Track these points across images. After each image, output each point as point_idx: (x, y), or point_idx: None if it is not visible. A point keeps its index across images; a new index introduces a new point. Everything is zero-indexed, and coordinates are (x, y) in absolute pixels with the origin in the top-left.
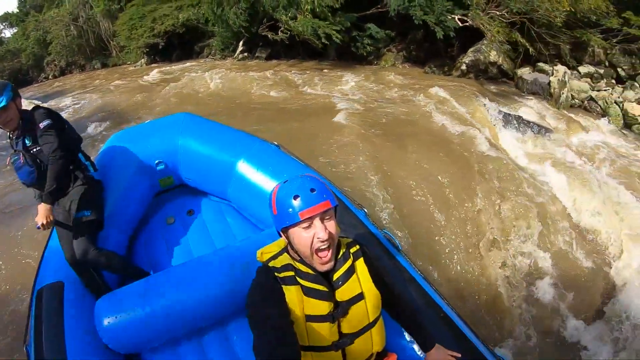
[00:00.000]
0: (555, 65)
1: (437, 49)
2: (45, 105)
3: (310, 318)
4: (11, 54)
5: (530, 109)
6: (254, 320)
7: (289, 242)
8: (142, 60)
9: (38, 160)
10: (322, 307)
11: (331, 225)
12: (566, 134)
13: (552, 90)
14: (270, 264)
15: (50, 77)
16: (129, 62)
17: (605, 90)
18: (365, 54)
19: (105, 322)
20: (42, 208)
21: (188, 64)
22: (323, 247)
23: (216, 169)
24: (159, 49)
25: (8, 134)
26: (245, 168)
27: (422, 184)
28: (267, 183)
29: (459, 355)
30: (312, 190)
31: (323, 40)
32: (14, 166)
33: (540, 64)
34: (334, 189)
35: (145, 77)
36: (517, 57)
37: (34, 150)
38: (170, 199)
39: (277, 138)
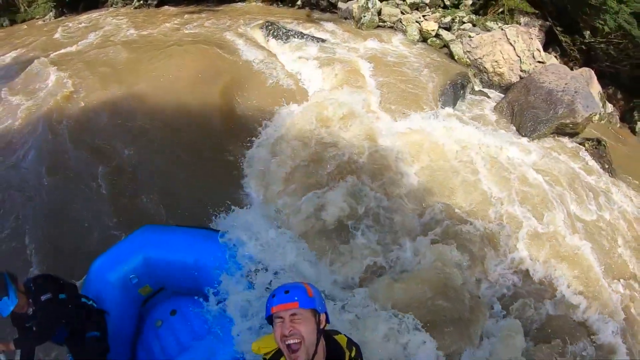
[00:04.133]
0: None
1: None
2: None
3: None
4: None
5: (330, 29)
6: None
7: None
8: (51, 13)
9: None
10: None
11: (300, 324)
12: (351, 43)
13: (354, 14)
14: None
15: None
16: (37, 17)
17: (410, 14)
18: None
19: None
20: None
21: (94, 14)
22: (290, 341)
23: (181, 270)
24: (65, 2)
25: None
26: (204, 262)
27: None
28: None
29: None
30: (286, 292)
31: None
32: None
33: None
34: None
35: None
36: None
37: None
38: (155, 304)
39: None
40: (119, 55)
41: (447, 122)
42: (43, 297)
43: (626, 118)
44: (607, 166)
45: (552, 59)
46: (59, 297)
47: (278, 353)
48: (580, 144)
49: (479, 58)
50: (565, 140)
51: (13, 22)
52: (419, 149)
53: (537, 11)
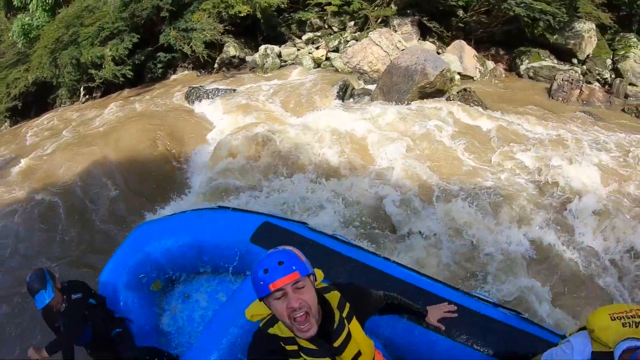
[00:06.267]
0: (293, 40)
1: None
2: None
3: None
4: None
5: (242, 80)
6: None
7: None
8: (6, 123)
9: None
10: None
11: (304, 293)
12: (259, 84)
13: (257, 62)
14: (271, 331)
15: None
16: None
17: (305, 48)
18: (159, 75)
19: None
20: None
21: (48, 115)
22: (298, 314)
23: (183, 255)
24: (18, 110)
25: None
26: (204, 239)
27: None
28: (224, 241)
29: (451, 307)
30: (280, 263)
31: (121, 79)
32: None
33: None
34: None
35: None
36: (255, 45)
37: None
38: (169, 293)
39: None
40: (91, 137)
41: (335, 111)
42: (74, 296)
43: (512, 67)
44: (474, 105)
45: (427, 44)
46: (89, 300)
47: (273, 319)
48: (448, 98)
49: (357, 64)
50: (440, 99)
51: None
52: (321, 131)
53: (407, 10)
